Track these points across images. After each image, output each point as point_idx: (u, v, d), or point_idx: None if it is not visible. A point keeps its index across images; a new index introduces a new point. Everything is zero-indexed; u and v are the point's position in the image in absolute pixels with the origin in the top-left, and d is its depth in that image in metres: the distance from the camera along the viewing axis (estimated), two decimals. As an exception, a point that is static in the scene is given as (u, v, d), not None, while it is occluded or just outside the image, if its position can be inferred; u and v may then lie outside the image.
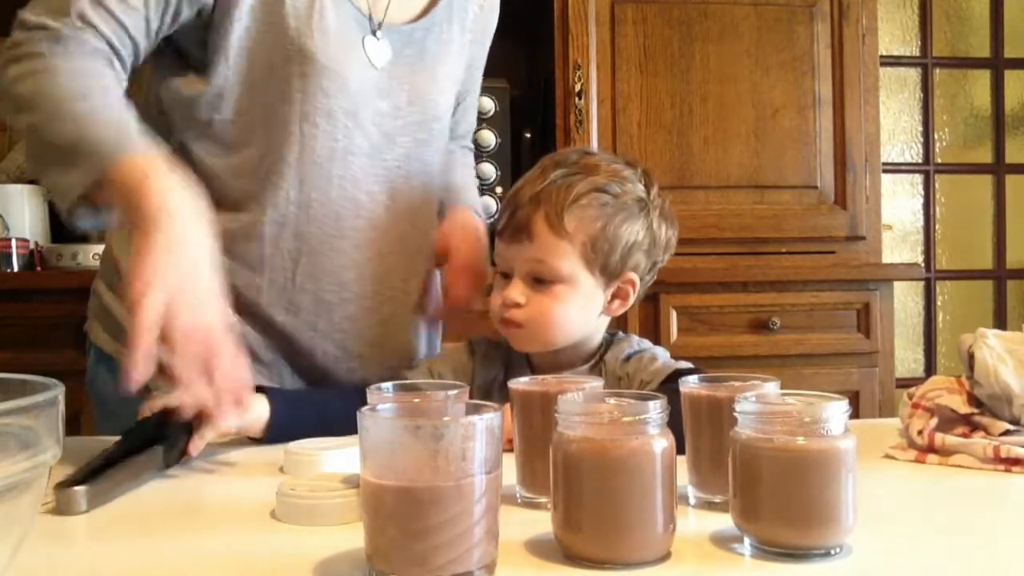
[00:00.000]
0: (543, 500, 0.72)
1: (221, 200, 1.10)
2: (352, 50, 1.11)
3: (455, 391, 0.76)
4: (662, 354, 1.11)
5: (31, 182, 2.41)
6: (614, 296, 1.09)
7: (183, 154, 1.12)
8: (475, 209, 1.30)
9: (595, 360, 1.12)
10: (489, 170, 2.22)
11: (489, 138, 2.23)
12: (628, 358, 1.10)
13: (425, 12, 1.20)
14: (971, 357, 0.93)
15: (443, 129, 1.23)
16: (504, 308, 1.06)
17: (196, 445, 0.91)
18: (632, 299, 1.11)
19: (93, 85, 0.97)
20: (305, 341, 1.15)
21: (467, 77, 1.29)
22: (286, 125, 1.09)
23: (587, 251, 1.04)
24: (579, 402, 0.65)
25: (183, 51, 1.11)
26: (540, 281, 1.05)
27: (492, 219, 1.45)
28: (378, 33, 1.14)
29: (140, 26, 1.03)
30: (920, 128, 2.92)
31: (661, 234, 1.10)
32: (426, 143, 1.20)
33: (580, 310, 1.07)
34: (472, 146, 1.44)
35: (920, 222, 2.94)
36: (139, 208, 0.87)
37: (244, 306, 1.12)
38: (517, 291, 1.06)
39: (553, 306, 1.05)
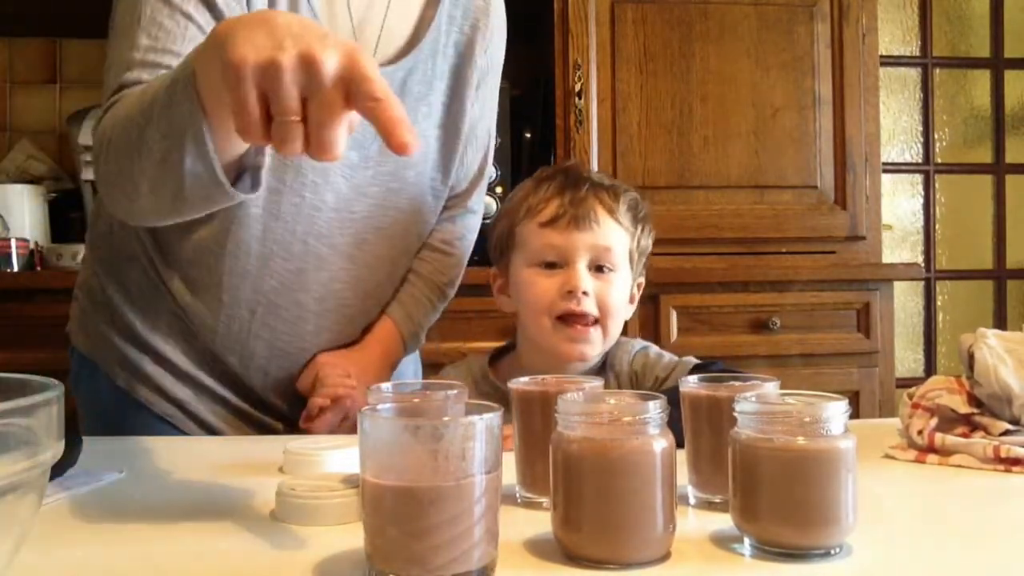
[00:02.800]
0: (543, 500, 0.72)
1: (184, 241, 1.08)
2: None
3: (455, 391, 0.76)
4: (662, 351, 1.14)
5: (31, 182, 2.41)
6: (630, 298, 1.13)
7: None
8: (404, 329, 1.22)
9: (600, 365, 1.13)
10: (489, 170, 2.21)
11: (489, 138, 2.22)
12: (634, 356, 1.13)
13: (408, 49, 1.14)
14: (971, 357, 0.93)
15: (419, 175, 1.18)
16: (571, 298, 1.05)
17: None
18: (636, 303, 1.15)
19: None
20: (257, 387, 1.15)
21: (459, 113, 1.21)
22: None
23: (632, 245, 1.09)
24: (579, 402, 0.65)
25: None
26: (599, 270, 1.07)
27: (489, 219, 1.44)
28: None
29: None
30: (920, 128, 2.92)
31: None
32: (399, 191, 1.16)
33: (626, 304, 1.11)
34: (469, 207, 1.32)
35: (920, 222, 2.94)
36: (215, 33, 0.70)
37: (197, 349, 1.13)
38: (586, 279, 1.05)
39: (615, 293, 1.07)
